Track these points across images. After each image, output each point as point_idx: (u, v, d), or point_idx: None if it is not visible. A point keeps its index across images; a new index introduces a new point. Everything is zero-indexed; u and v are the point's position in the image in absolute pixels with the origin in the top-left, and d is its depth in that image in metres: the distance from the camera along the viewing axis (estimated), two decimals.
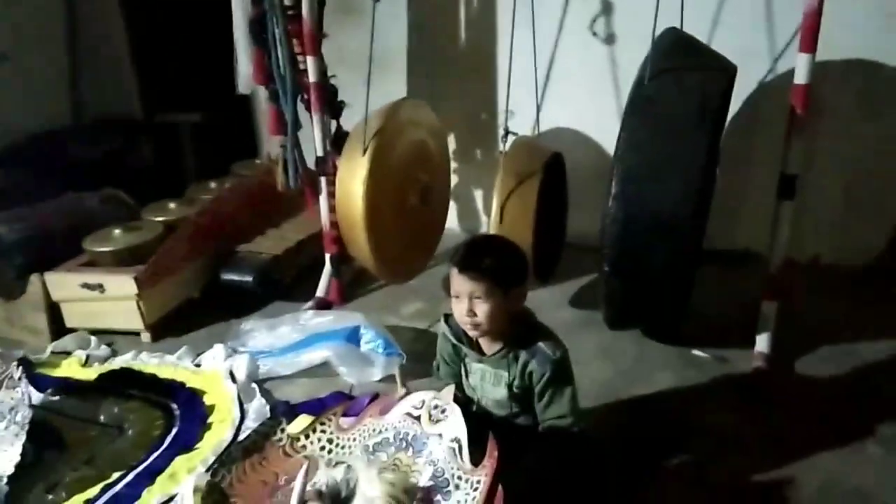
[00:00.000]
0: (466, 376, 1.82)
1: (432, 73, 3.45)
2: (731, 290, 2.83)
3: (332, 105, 2.88)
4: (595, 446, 1.81)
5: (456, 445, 1.54)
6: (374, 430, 1.70)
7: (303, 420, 1.92)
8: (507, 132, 2.63)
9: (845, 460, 1.88)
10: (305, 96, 2.82)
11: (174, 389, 2.26)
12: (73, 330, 2.71)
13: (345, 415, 1.85)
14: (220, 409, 2.16)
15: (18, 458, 1.92)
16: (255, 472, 1.71)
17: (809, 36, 2.01)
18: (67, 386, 2.31)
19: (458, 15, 3.33)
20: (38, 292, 2.67)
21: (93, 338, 2.67)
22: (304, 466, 1.59)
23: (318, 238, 3.02)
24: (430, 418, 1.61)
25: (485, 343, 1.73)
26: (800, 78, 2.05)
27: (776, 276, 2.30)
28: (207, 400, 2.21)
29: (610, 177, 2.08)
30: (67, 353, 2.58)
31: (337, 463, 1.64)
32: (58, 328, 2.71)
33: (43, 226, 2.88)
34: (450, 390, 1.67)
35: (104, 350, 2.62)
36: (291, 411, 2.09)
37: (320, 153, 2.81)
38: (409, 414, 1.65)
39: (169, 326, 2.75)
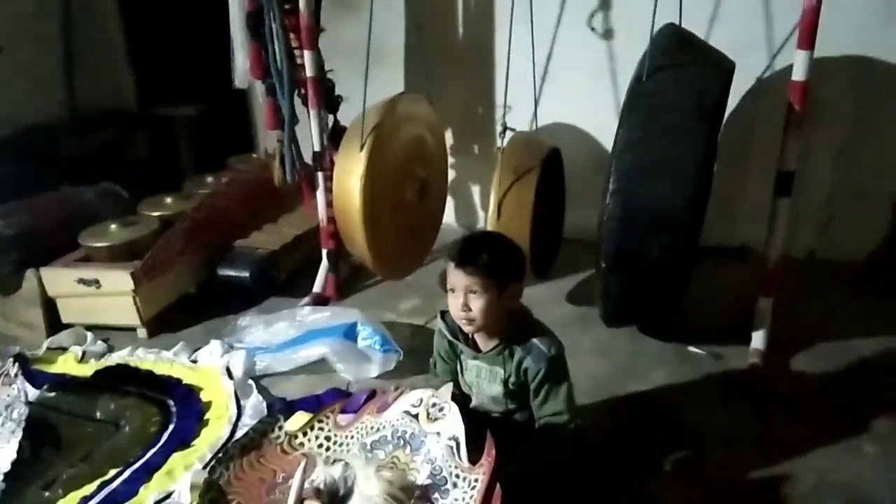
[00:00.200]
0: (462, 373, 1.82)
1: (430, 68, 3.42)
2: (727, 285, 2.83)
3: (329, 100, 2.87)
4: (591, 443, 1.82)
5: (454, 444, 1.54)
6: (371, 428, 1.70)
7: (300, 417, 1.92)
8: (504, 128, 2.62)
9: (840, 458, 1.89)
10: (302, 91, 2.81)
11: (171, 386, 2.26)
12: (68, 326, 2.70)
13: (342, 412, 1.85)
14: (217, 406, 2.16)
15: (15, 455, 1.92)
16: (253, 470, 1.71)
17: (808, 33, 2.01)
18: (64, 382, 2.31)
19: (456, 9, 3.31)
20: (33, 288, 2.66)
21: (89, 334, 2.66)
22: (302, 464, 1.59)
23: (315, 233, 3.01)
24: (428, 416, 1.61)
25: (480, 340, 1.73)
26: (798, 75, 2.05)
27: (772, 272, 2.30)
28: (204, 396, 2.21)
29: (608, 173, 2.08)
30: (63, 349, 2.57)
31: (335, 461, 1.64)
32: (53, 324, 2.70)
33: (38, 220, 2.87)
34: (448, 388, 1.67)
35: (100, 346, 2.61)
36: (289, 408, 2.10)
37: (317, 148, 2.80)
38: (407, 412, 1.65)
39: (165, 322, 2.75)
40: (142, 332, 2.69)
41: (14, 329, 2.74)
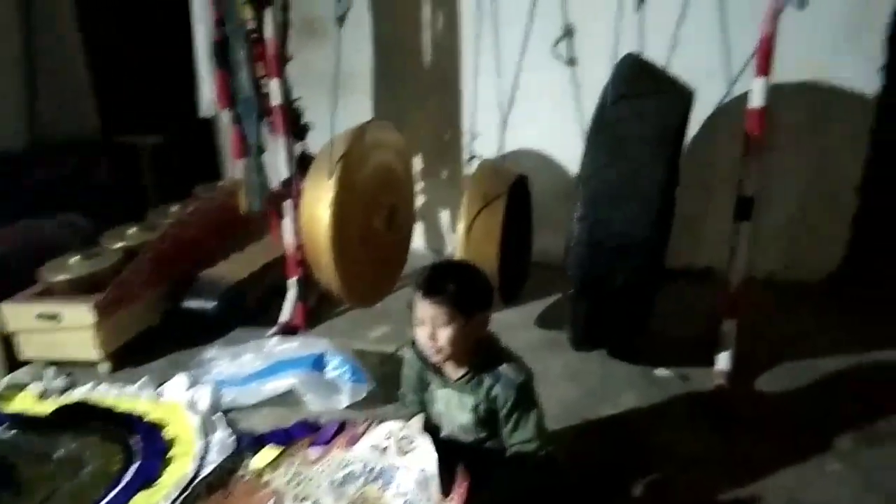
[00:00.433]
0: (432, 403, 1.81)
1: (398, 94, 3.46)
2: (693, 306, 2.88)
3: (296, 127, 2.87)
4: (562, 470, 1.81)
5: (425, 476, 1.52)
6: (341, 463, 1.68)
7: (269, 451, 1.89)
8: (471, 156, 2.64)
9: (807, 476, 1.92)
10: (269, 119, 2.80)
11: (134, 422, 2.21)
12: (28, 362, 2.62)
13: (312, 444, 1.82)
14: (182, 442, 2.11)
15: None
16: None
17: (764, 60, 2.07)
18: (23, 421, 2.24)
19: (423, 37, 3.35)
20: None
21: (49, 369, 2.59)
22: (271, 502, 1.56)
23: (282, 261, 2.98)
24: (398, 450, 1.60)
25: (449, 369, 1.73)
26: (755, 102, 2.11)
27: (735, 295, 2.34)
28: (169, 433, 2.15)
29: (574, 199, 2.11)
30: (23, 387, 2.49)
31: (303, 498, 1.61)
32: (12, 360, 2.62)
33: None
34: (418, 420, 1.66)
35: (61, 382, 2.54)
36: (257, 442, 2.06)
37: (285, 176, 2.79)
38: (376, 446, 1.63)
39: (128, 356, 2.69)
40: (104, 367, 2.63)
41: None
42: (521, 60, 3.00)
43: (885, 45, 2.70)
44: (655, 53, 2.61)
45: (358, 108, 3.30)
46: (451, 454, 1.60)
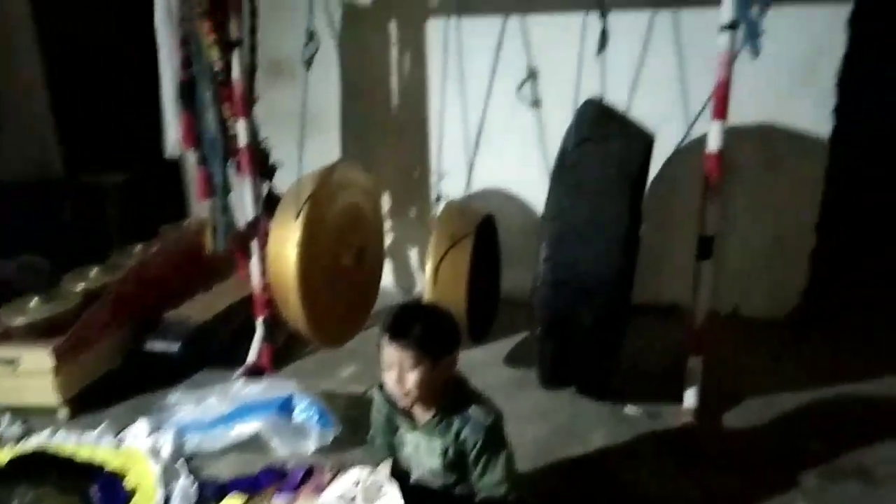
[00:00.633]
0: (401, 447, 1.79)
1: (366, 134, 3.48)
2: (660, 342, 2.91)
3: (264, 167, 2.87)
4: None
5: None
6: None
7: (233, 500, 1.85)
8: (438, 196, 2.67)
9: None
10: (236, 159, 2.79)
11: (92, 473, 2.13)
12: None
13: (278, 491, 1.78)
14: (144, 491, 2.04)
15: None
16: None
17: (720, 104, 2.14)
18: None
19: (391, 78, 3.39)
20: None
21: (5, 416, 2.50)
22: None
23: (249, 301, 2.95)
24: (366, 499, 1.57)
25: (418, 412, 1.72)
26: (713, 145, 2.17)
27: (699, 332, 2.37)
28: (129, 482, 2.09)
29: (539, 240, 2.13)
30: None
31: None
32: None
33: None
34: (386, 465, 1.64)
35: (17, 429, 2.45)
36: (220, 491, 2.01)
37: (252, 216, 2.78)
38: (344, 495, 1.60)
39: (88, 401, 2.61)
40: (63, 413, 2.55)
41: None
42: (487, 101, 3.06)
43: (836, 89, 2.80)
44: (617, 96, 2.69)
45: (326, 147, 3.32)
46: (420, 499, 1.58)
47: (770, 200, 3.03)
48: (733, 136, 2.28)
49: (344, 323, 2.85)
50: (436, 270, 2.43)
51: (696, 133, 2.87)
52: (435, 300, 2.37)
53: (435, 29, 3.16)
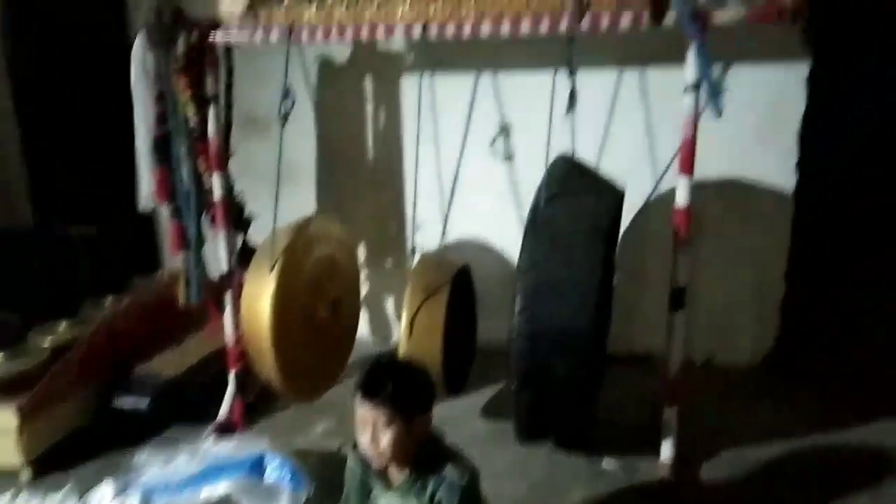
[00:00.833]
0: None
1: (341, 186, 3.51)
2: (636, 392, 2.91)
3: (238, 220, 2.87)
4: None
5: None
6: None
7: None
8: (414, 248, 2.68)
9: None
10: (210, 212, 2.79)
11: None
12: None
13: None
14: None
15: None
16: None
17: (687, 161, 2.19)
18: None
19: (366, 131, 3.44)
20: None
21: None
22: None
23: (222, 355, 2.90)
24: None
25: (392, 472, 1.69)
26: (681, 199, 2.22)
27: (674, 383, 2.38)
28: None
29: (514, 293, 2.15)
30: None
31: None
32: None
33: None
34: None
35: None
36: None
37: (225, 269, 2.76)
38: None
39: (53, 461, 2.53)
40: (25, 474, 2.47)
41: None
42: (461, 155, 3.12)
43: (798, 144, 2.90)
44: (587, 150, 2.76)
45: (301, 199, 3.33)
46: None
47: (739, 251, 3.09)
48: (701, 189, 2.34)
49: (318, 377, 2.82)
50: (411, 324, 2.42)
51: (665, 186, 2.97)
52: (410, 354, 2.36)
53: (409, 85, 3.23)
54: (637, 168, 2.97)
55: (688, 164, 2.20)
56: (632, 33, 2.12)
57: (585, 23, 2.06)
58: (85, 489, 2.33)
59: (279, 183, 2.53)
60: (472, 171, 3.17)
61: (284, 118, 2.44)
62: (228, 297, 2.77)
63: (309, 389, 2.79)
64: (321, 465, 2.43)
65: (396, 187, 3.43)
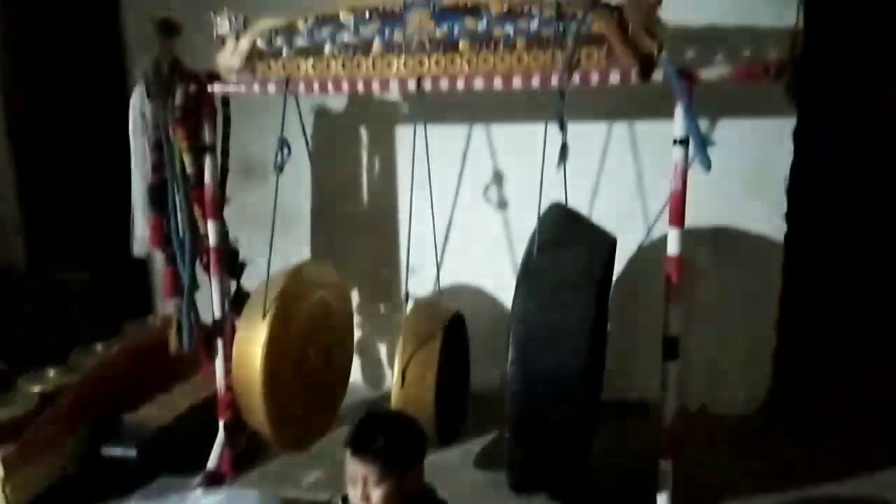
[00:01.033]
0: None
1: (335, 232, 3.53)
2: (630, 440, 2.89)
3: (232, 266, 2.87)
4: None
5: None
6: None
7: None
8: (407, 296, 2.68)
9: None
10: (204, 258, 2.79)
11: None
12: None
13: None
14: None
15: None
16: None
17: (677, 213, 2.22)
18: None
19: (361, 177, 3.48)
20: None
21: None
22: None
23: (211, 403, 2.87)
24: None
25: None
26: (672, 249, 2.24)
27: (669, 433, 2.37)
28: None
29: (507, 342, 2.15)
30: None
31: None
32: None
33: None
34: None
35: None
36: None
37: (218, 316, 2.75)
38: None
39: None
40: None
41: None
42: (455, 202, 3.16)
43: (787, 195, 2.95)
44: (579, 198, 2.79)
45: (296, 245, 3.34)
46: None
47: (731, 299, 3.11)
48: (691, 238, 2.37)
49: (309, 425, 2.78)
50: (403, 373, 2.41)
51: (656, 233, 3.00)
52: (402, 404, 2.34)
53: (404, 134, 3.28)
54: (628, 216, 3.00)
55: (678, 217, 2.22)
56: (621, 87, 2.18)
57: (576, 78, 2.12)
58: None
59: (274, 229, 2.55)
60: (466, 219, 3.20)
61: (280, 168, 2.48)
62: (220, 344, 2.76)
63: (299, 440, 2.75)
64: None
65: (391, 234, 3.45)
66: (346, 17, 2.33)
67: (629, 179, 3.07)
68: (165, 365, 3.11)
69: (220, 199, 2.73)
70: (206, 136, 2.62)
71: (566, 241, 2.25)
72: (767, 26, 2.75)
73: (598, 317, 2.16)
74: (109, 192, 3.11)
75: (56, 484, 2.62)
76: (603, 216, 2.72)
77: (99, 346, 3.18)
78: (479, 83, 2.26)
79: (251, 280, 2.81)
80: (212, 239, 2.69)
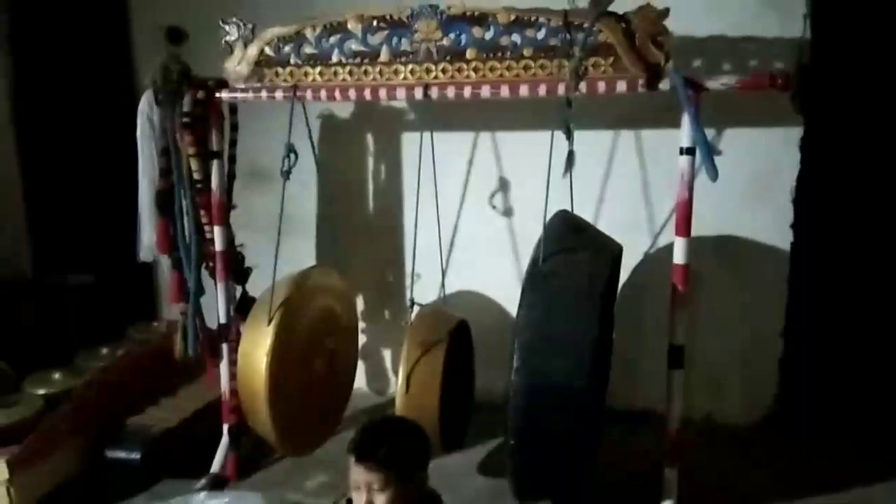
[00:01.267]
0: None
1: (341, 238, 3.53)
2: (635, 449, 2.88)
3: (238, 271, 2.88)
4: None
5: None
6: None
7: None
8: (412, 303, 2.69)
9: None
10: (210, 263, 2.80)
11: None
12: None
13: None
14: None
15: None
16: None
17: (683, 222, 2.22)
18: None
19: (367, 184, 3.49)
20: None
21: None
22: None
23: (216, 407, 2.88)
24: None
25: None
26: (678, 259, 2.24)
27: (674, 441, 2.36)
28: None
29: (511, 350, 2.15)
30: None
31: None
32: None
33: None
34: None
35: None
36: None
37: (223, 320, 2.76)
38: None
39: None
40: None
41: None
42: (461, 209, 3.16)
43: (793, 205, 2.94)
44: (585, 206, 2.79)
45: (301, 251, 3.35)
46: None
47: (736, 308, 3.10)
48: (697, 246, 2.36)
49: (313, 430, 2.78)
50: (407, 379, 2.41)
51: (662, 241, 3.01)
52: (406, 410, 2.35)
53: (410, 141, 3.28)
54: (634, 224, 3.00)
55: (684, 226, 2.22)
56: (628, 96, 2.18)
57: (583, 87, 2.12)
58: None
59: (280, 235, 2.56)
60: (472, 226, 3.21)
61: (287, 175, 2.49)
62: (224, 349, 2.77)
63: (303, 445, 2.76)
64: None
65: (396, 240, 3.46)
66: (354, 25, 2.35)
67: (635, 188, 3.07)
68: (170, 369, 3.12)
69: (227, 205, 2.74)
70: (214, 142, 2.63)
71: (572, 248, 2.25)
72: (774, 36, 2.76)
73: (603, 324, 2.15)
74: (115, 197, 3.13)
75: (61, 486, 2.63)
76: (609, 224, 2.72)
77: (104, 350, 3.20)
78: (485, 91, 2.27)
79: (257, 285, 2.82)
80: (218, 244, 2.70)
